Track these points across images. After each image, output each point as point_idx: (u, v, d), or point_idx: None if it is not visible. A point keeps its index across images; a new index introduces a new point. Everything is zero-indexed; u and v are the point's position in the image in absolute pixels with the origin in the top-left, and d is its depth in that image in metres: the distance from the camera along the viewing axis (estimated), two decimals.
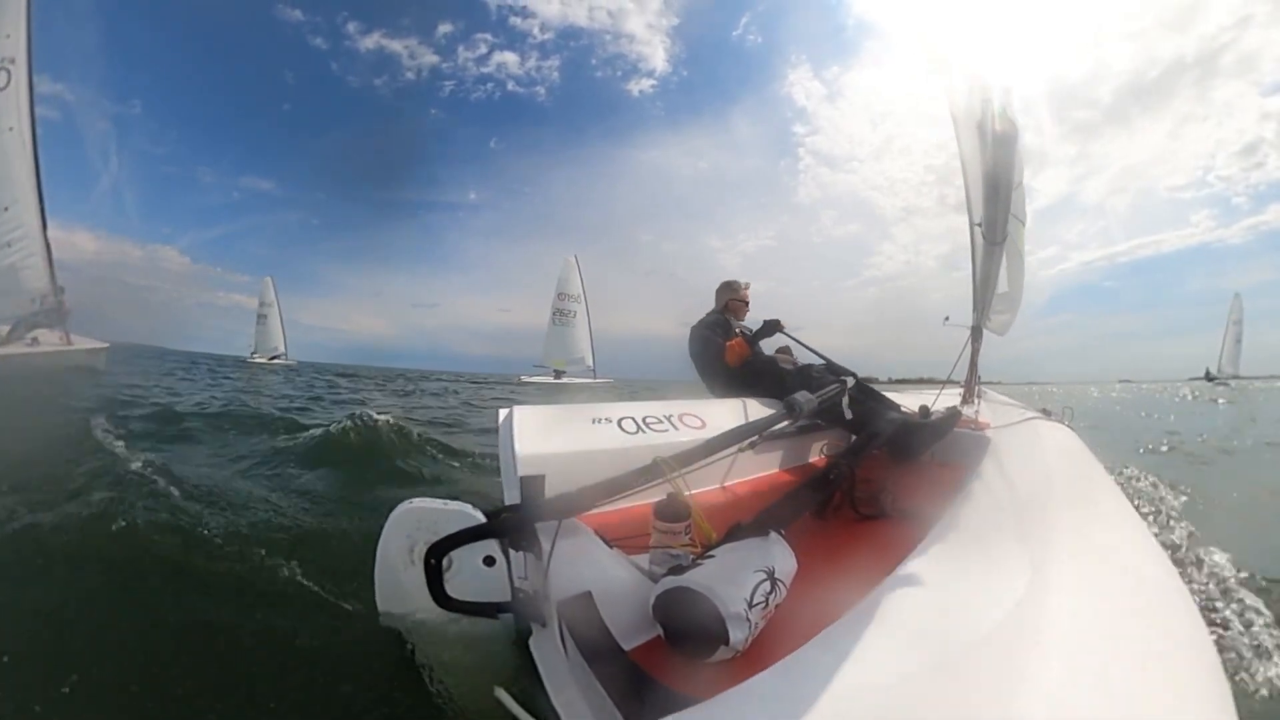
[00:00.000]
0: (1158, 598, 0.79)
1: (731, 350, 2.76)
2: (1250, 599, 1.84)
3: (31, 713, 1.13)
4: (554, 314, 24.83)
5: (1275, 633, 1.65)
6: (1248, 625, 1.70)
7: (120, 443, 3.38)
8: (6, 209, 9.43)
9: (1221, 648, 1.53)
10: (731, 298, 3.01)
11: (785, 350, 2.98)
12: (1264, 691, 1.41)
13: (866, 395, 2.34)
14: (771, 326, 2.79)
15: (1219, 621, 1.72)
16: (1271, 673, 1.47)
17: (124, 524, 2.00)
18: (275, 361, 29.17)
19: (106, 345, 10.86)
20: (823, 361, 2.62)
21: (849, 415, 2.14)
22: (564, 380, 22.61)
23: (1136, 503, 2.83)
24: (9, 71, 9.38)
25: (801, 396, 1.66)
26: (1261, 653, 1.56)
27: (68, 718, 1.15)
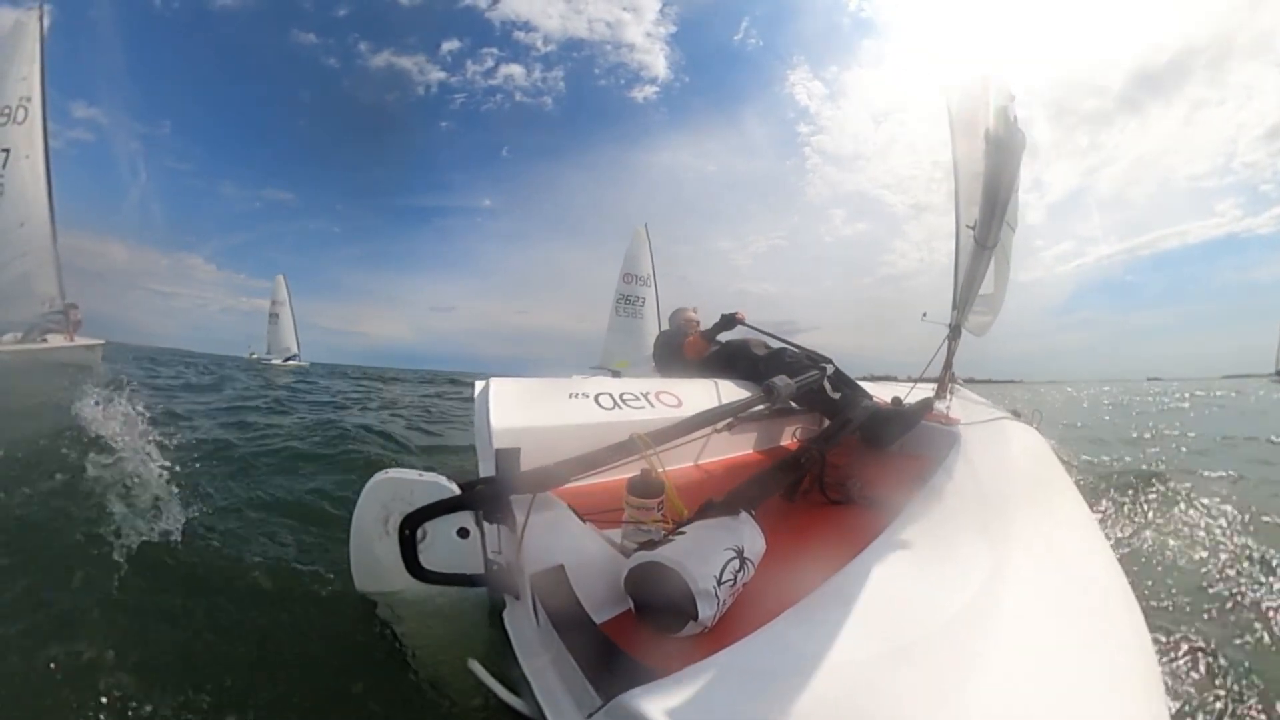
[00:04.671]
0: (1103, 594, 0.84)
1: (689, 345, 3.01)
2: None
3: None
4: (618, 301, 18.50)
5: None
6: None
7: None
8: (22, 225, 10.79)
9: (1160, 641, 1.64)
10: (683, 318, 3.50)
11: (759, 344, 3.04)
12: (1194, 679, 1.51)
13: (841, 382, 2.38)
14: (728, 320, 2.96)
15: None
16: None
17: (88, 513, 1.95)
18: (289, 363, 26.94)
19: (101, 342, 11.52)
20: (794, 349, 2.67)
21: (835, 396, 2.23)
22: None
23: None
24: (26, 108, 10.94)
25: (780, 381, 1.68)
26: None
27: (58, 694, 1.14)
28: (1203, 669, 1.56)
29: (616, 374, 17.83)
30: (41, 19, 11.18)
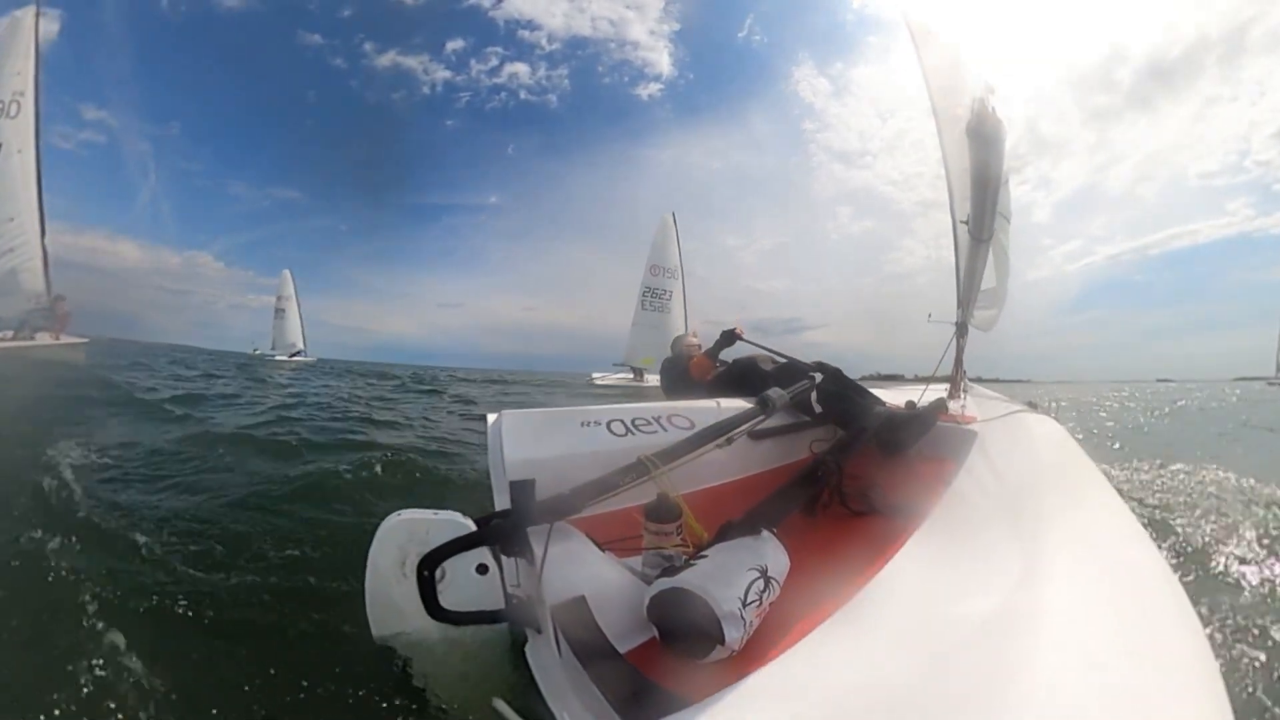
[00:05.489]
0: (1147, 586, 0.80)
1: (695, 366, 3.05)
2: None
3: None
4: (644, 295, 17.70)
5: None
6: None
7: None
8: (12, 220, 10.92)
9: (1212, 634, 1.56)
10: (684, 344, 3.59)
11: (767, 360, 3.06)
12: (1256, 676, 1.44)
13: (848, 389, 2.36)
14: (728, 336, 3.03)
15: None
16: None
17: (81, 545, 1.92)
18: (295, 359, 26.03)
19: (85, 340, 11.66)
20: (800, 363, 2.67)
21: (818, 409, 2.25)
22: (647, 382, 16.10)
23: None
24: (19, 103, 11.01)
25: (774, 392, 1.67)
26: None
27: None
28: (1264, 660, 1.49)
29: (639, 372, 17.19)
30: (38, 16, 11.31)
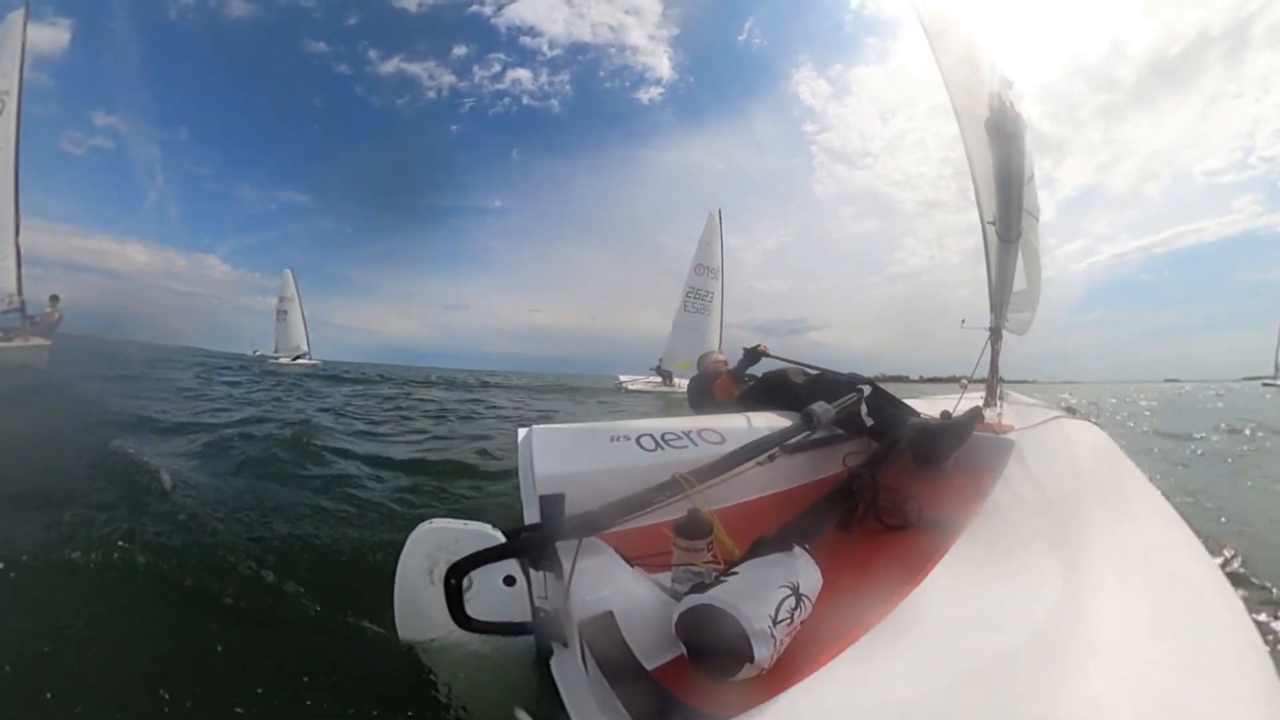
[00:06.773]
0: (1201, 598, 0.76)
1: (719, 387, 3.01)
2: None
3: None
4: (687, 295, 17.09)
5: None
6: None
7: None
8: None
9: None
10: (710, 361, 3.55)
11: (797, 372, 3.01)
12: None
13: (884, 401, 2.31)
14: (751, 354, 2.97)
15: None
16: None
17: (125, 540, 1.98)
18: (299, 362, 25.06)
19: (48, 343, 11.41)
20: (831, 373, 2.62)
21: (870, 423, 2.15)
22: (677, 387, 15.56)
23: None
24: (3, 101, 11.02)
25: (819, 407, 1.64)
26: None
27: None
28: None
29: (669, 375, 16.74)
30: (26, 16, 11.34)
